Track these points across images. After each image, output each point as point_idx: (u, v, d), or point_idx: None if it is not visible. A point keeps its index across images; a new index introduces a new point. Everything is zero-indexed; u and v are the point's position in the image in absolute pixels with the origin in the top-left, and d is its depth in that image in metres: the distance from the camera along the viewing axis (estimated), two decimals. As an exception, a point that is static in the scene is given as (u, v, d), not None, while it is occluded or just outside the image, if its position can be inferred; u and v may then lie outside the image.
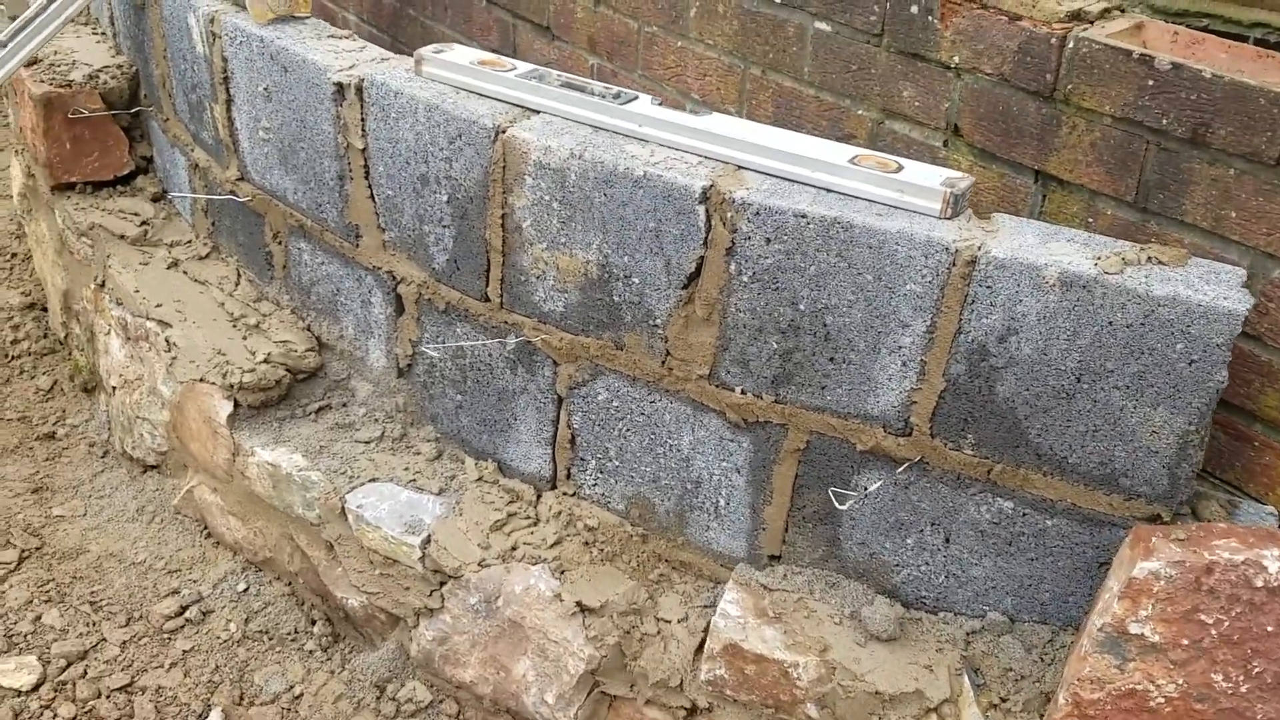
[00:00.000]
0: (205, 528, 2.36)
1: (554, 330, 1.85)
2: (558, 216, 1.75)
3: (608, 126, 1.75)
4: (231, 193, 2.34)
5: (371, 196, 2.01)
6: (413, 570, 1.95)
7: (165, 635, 2.11)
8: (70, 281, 2.81)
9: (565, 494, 1.99)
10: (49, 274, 2.97)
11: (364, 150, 1.96)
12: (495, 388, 1.99)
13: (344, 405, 2.25)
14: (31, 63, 2.66)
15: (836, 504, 1.67)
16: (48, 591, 2.17)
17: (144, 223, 2.59)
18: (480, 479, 2.04)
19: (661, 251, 1.67)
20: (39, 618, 2.11)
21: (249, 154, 2.25)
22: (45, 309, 3.17)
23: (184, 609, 2.16)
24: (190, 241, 2.58)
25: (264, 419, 2.19)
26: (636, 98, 1.78)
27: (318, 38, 2.06)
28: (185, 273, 2.48)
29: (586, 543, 1.93)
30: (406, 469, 2.07)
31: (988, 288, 1.48)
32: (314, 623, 2.16)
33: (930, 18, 1.81)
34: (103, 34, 2.94)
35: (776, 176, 1.63)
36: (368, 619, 2.07)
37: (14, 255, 3.59)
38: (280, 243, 2.29)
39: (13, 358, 2.97)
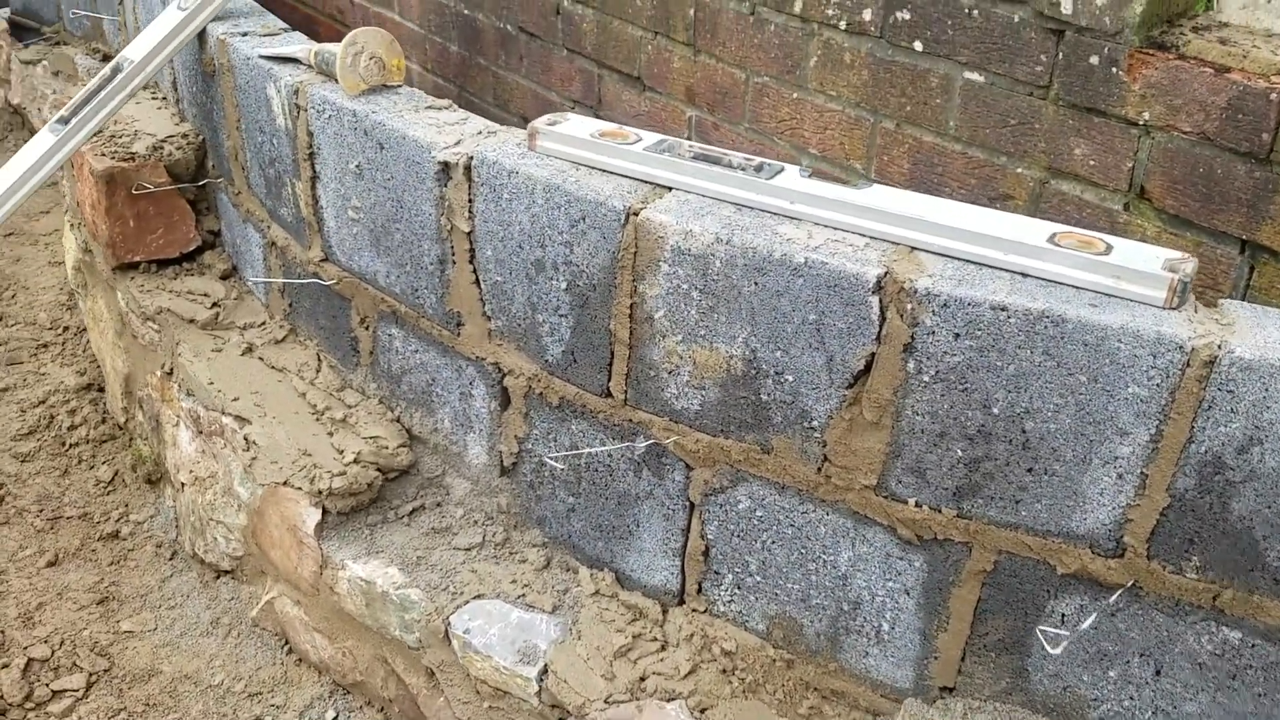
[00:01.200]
0: (286, 643, 2.15)
1: (688, 430, 1.64)
2: (697, 307, 1.54)
3: (753, 204, 1.54)
4: (315, 275, 2.16)
5: (477, 282, 1.81)
6: (527, 704, 1.73)
7: (250, 771, 1.90)
8: (132, 365, 2.64)
9: (695, 611, 1.77)
10: (108, 355, 2.80)
11: (470, 233, 1.77)
12: (615, 491, 1.78)
13: (439, 505, 2.05)
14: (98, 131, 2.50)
15: (1048, 647, 1.44)
16: (120, 721, 1.97)
17: (215, 304, 2.41)
18: (597, 592, 1.83)
19: (823, 347, 1.46)
20: (111, 753, 1.91)
21: (335, 234, 2.06)
22: (102, 389, 3.00)
23: (270, 740, 1.95)
24: (265, 324, 2.40)
25: (354, 525, 1.99)
26: (782, 169, 1.57)
27: (415, 109, 1.88)
28: (261, 359, 2.30)
29: (724, 670, 1.70)
30: (514, 581, 1.86)
31: (1229, 392, 1.26)
32: (412, 754, 1.94)
33: (1114, 69, 1.60)
34: (163, 99, 2.79)
35: (958, 259, 1.42)
36: (475, 753, 1.85)
37: (66, 329, 3.44)
38: (368, 328, 2.10)
39: (70, 445, 2.80)
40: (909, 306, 1.38)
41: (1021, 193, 1.79)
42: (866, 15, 2.00)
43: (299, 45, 2.14)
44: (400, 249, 1.92)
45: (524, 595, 1.83)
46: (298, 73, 2.04)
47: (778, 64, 2.28)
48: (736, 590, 1.71)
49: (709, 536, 1.70)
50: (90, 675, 2.06)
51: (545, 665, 1.71)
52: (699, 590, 1.75)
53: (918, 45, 1.94)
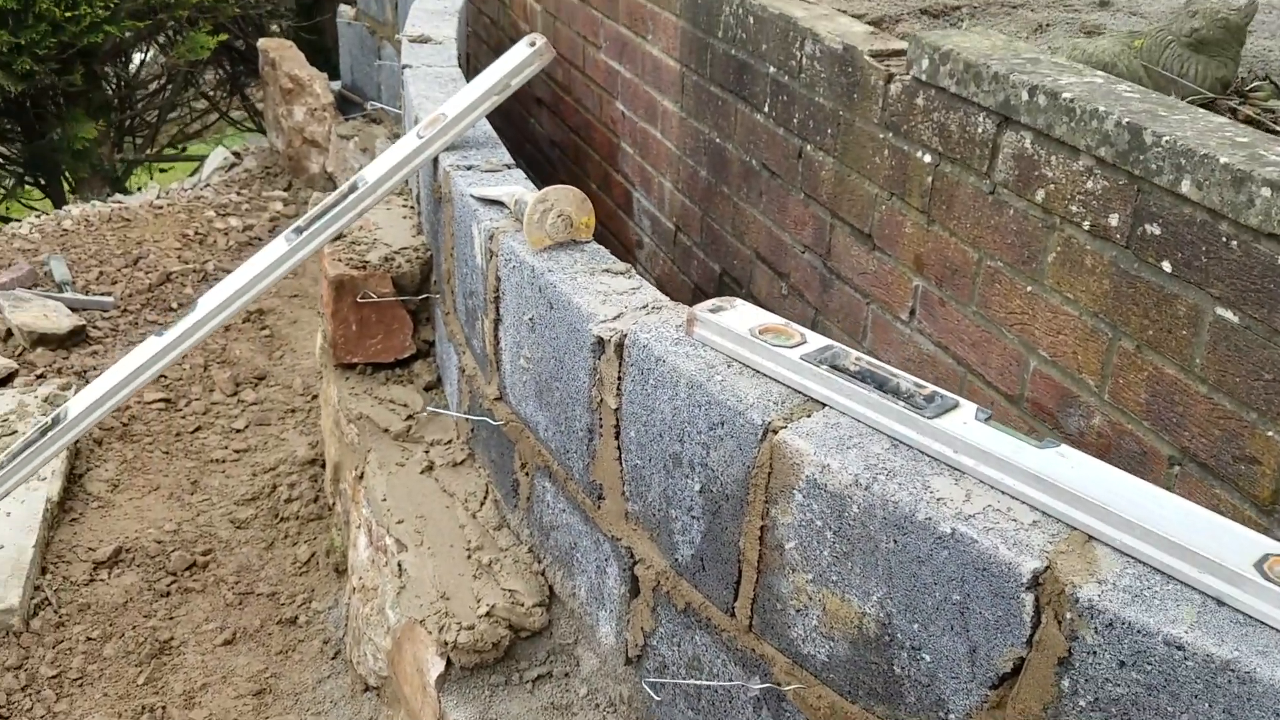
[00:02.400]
0: (406, 779, 2.12)
1: (812, 681, 1.43)
2: (830, 549, 1.35)
3: (912, 443, 1.33)
4: (488, 411, 2.15)
5: (619, 459, 1.71)
6: None
7: None
8: (340, 456, 2.76)
9: None
10: (327, 439, 2.96)
11: (617, 410, 1.68)
12: (733, 720, 1.60)
13: (565, 677, 1.94)
14: (337, 236, 2.67)
15: None
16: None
17: (409, 417, 2.47)
18: (703, 825, 1.64)
19: (966, 633, 1.22)
20: None
21: (509, 377, 2.04)
22: (324, 465, 3.18)
23: None
24: (450, 442, 2.42)
25: (476, 682, 1.93)
26: (956, 405, 1.35)
27: (590, 273, 1.83)
28: (437, 480, 2.31)
29: None
30: (619, 789, 1.71)
31: None
32: None
33: None
34: (410, 207, 2.93)
35: (1142, 562, 1.14)
36: None
37: (314, 397, 3.69)
38: (528, 475, 2.06)
39: (282, 519, 2.97)
40: (1068, 616, 1.12)
41: (1270, 459, 1.44)
42: (1112, 220, 1.73)
43: (511, 187, 2.15)
44: (558, 408, 1.86)
45: (623, 808, 1.68)
46: (498, 217, 2.05)
47: (1013, 251, 2.03)
48: None
49: (822, 803, 1.47)
50: (225, 773, 2.13)
51: None
52: None
53: (1166, 266, 1.64)
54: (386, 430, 2.45)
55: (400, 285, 2.61)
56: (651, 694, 1.63)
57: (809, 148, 2.70)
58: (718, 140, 3.21)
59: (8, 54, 5.52)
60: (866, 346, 2.52)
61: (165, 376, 3.77)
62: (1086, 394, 1.87)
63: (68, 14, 5.57)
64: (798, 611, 1.43)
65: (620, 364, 1.64)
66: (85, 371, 3.67)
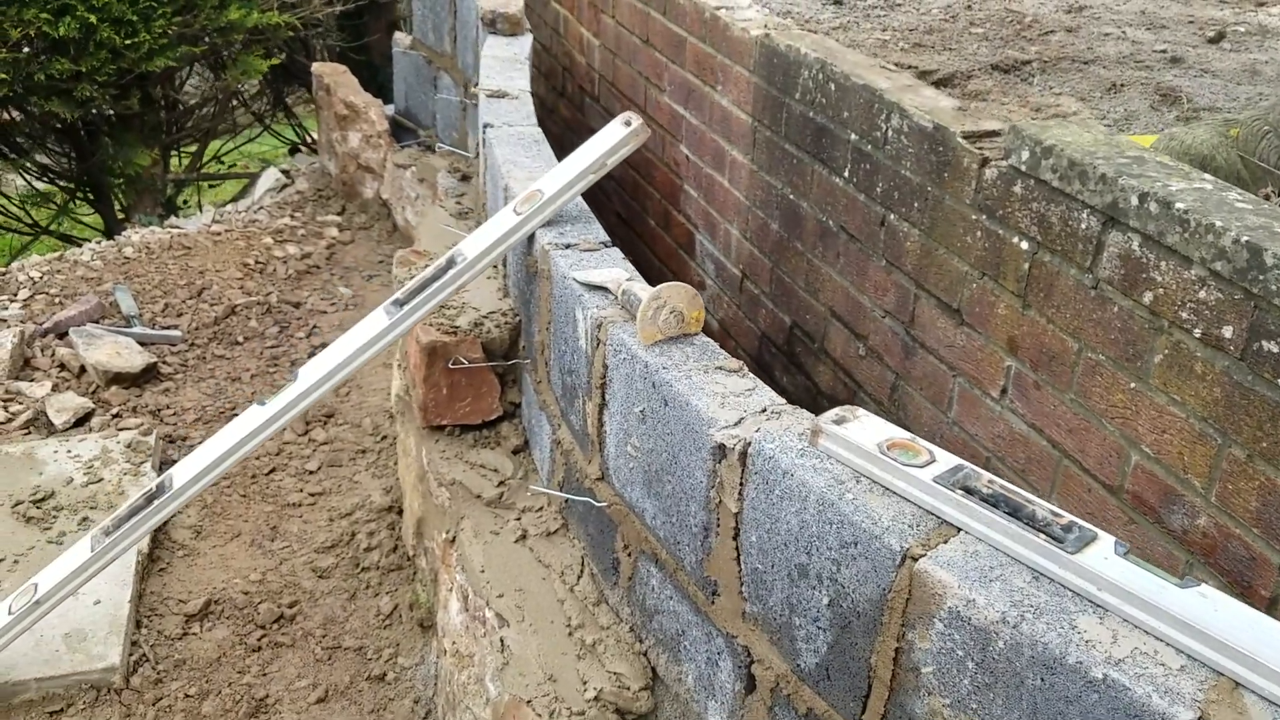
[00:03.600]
0: None
1: (943, 800, 1.47)
2: (971, 679, 1.38)
3: (1055, 577, 1.36)
4: (589, 490, 2.19)
5: (738, 560, 1.75)
6: None
7: None
8: (425, 512, 2.81)
9: None
10: (408, 492, 3.01)
11: (737, 514, 1.71)
12: (853, 824, 1.63)
13: (671, 759, 1.98)
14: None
15: None
16: None
17: (502, 483, 2.52)
18: None
19: (1113, 776, 1.25)
20: None
21: (613, 460, 2.08)
22: (400, 513, 3.23)
23: None
24: (541, 510, 2.47)
25: (584, 765, 1.97)
26: (1095, 538, 1.38)
27: (705, 370, 1.86)
28: (532, 550, 2.36)
29: None
30: None
31: None
32: None
33: None
34: (494, 268, 2.98)
35: (1300, 718, 1.17)
36: None
37: (385, 438, 3.75)
38: (630, 556, 2.10)
39: (363, 568, 3.02)
40: (1227, 773, 1.15)
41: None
42: (1226, 332, 1.75)
43: (612, 270, 2.19)
44: (669, 499, 1.90)
45: None
46: (604, 304, 2.09)
47: (1117, 347, 2.05)
48: None
49: None
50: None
51: None
52: None
53: (1286, 379, 1.67)
54: (479, 496, 2.49)
55: (489, 350, 2.66)
56: None
57: (893, 217, 2.72)
58: (791, 197, 3.24)
59: (67, 81, 5.60)
60: (952, 418, 2.55)
61: (237, 413, 3.84)
62: (1192, 494, 1.89)
63: (127, 41, 5.65)
64: (930, 732, 1.46)
65: (743, 471, 1.68)
66: (159, 410, 3.74)
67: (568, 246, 2.33)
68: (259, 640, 2.69)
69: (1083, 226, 2.06)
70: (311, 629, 2.76)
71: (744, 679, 1.79)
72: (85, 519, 2.87)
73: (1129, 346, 2.02)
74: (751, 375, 1.86)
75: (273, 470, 3.51)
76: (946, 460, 1.54)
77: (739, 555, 1.74)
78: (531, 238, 2.45)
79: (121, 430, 3.38)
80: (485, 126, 3.12)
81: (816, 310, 3.20)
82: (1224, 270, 1.75)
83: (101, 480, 3.04)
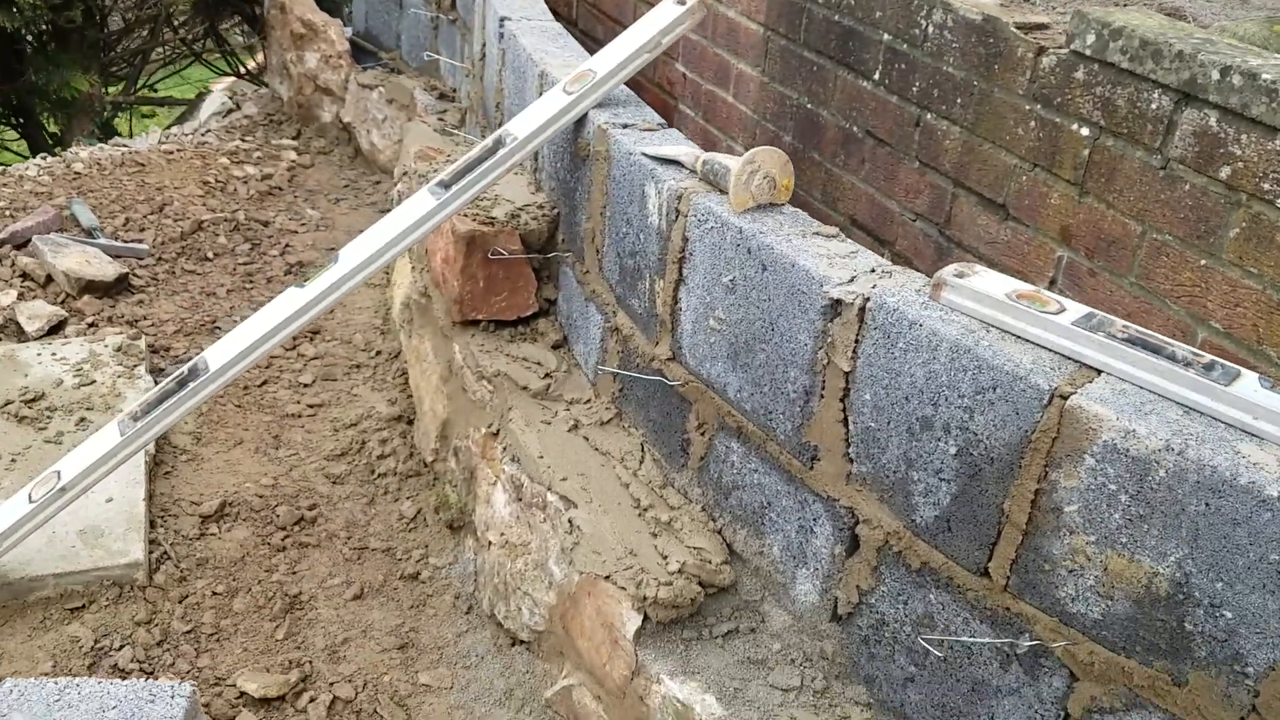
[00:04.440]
0: (576, 733, 2.13)
1: (1080, 638, 1.48)
2: (1124, 512, 1.39)
3: (1207, 410, 1.38)
4: (659, 372, 2.14)
5: (844, 422, 1.73)
6: None
7: None
8: (452, 413, 2.73)
9: (1042, 827, 1.59)
10: (427, 397, 2.92)
11: (849, 373, 1.69)
12: (969, 676, 1.64)
13: (752, 632, 1.97)
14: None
15: None
16: (415, 784, 2.00)
17: (548, 375, 2.45)
18: (928, 777, 1.69)
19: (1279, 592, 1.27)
20: (408, 817, 1.94)
21: (688, 337, 2.04)
22: (411, 423, 3.14)
23: (556, 840, 1.92)
24: (590, 401, 2.41)
25: (670, 637, 1.94)
26: (1240, 373, 1.40)
27: (802, 235, 1.83)
28: (586, 439, 2.31)
29: None
30: (837, 742, 1.75)
31: None
32: None
33: None
34: (520, 166, 2.88)
35: None
36: None
37: (379, 353, 3.63)
38: (704, 435, 2.06)
39: (379, 475, 2.92)
40: None
41: None
42: (1318, 195, 1.79)
43: (680, 146, 2.14)
44: (761, 369, 1.87)
45: (846, 761, 1.72)
46: (679, 176, 2.04)
47: (1186, 226, 2.08)
48: (1097, 818, 1.53)
49: (1077, 754, 1.53)
50: (390, 727, 2.11)
51: None
52: (1049, 805, 1.58)
53: (1379, 239, 1.71)
54: (525, 388, 2.43)
55: (526, 243, 2.57)
56: (932, 649, 1.65)
57: (930, 117, 2.71)
58: (809, 106, 3.21)
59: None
60: (991, 314, 2.56)
61: (220, 327, 3.68)
62: (1267, 365, 1.94)
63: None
64: (1070, 572, 1.47)
65: (860, 327, 1.65)
66: (136, 321, 3.55)
67: (625, 126, 2.27)
68: (283, 540, 2.58)
69: (1153, 107, 2.08)
70: (335, 531, 2.66)
71: (846, 541, 1.78)
72: (83, 419, 2.71)
73: (1200, 224, 2.05)
74: (854, 243, 1.83)
75: (265, 382, 3.37)
76: (1076, 308, 1.54)
77: (846, 416, 1.72)
78: (580, 122, 2.37)
79: (109, 335, 3.19)
80: (503, 20, 3.00)
81: (835, 221, 3.18)
82: (1316, 136, 1.78)
83: (94, 383, 2.87)
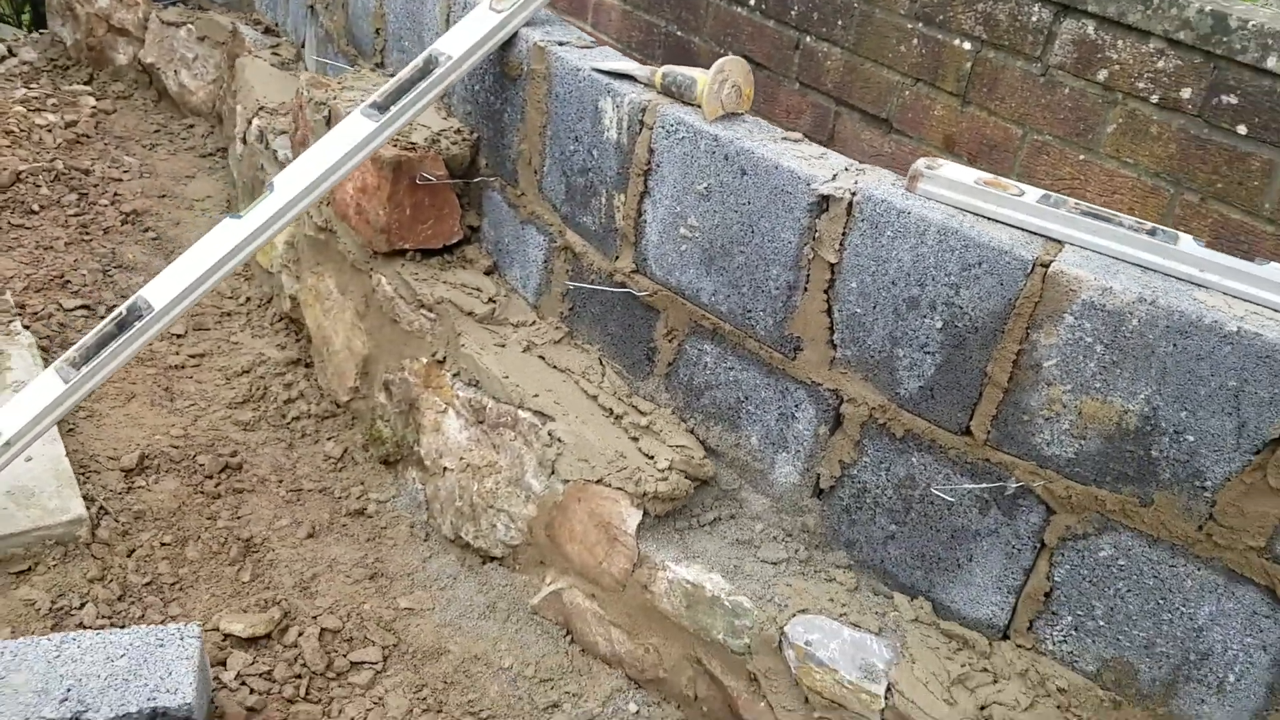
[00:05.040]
0: (568, 633, 2.22)
1: (1054, 476, 1.72)
2: (1098, 360, 1.62)
3: (1159, 268, 1.63)
4: (621, 284, 2.22)
5: (827, 312, 1.89)
6: (862, 718, 1.80)
7: (561, 760, 1.96)
8: (375, 348, 2.69)
9: (1022, 647, 1.85)
10: (337, 335, 2.85)
11: (834, 266, 1.85)
12: (948, 525, 1.86)
13: (733, 518, 2.12)
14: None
15: None
16: (425, 699, 2.03)
17: (490, 299, 2.47)
18: (916, 619, 1.91)
19: (1236, 413, 1.54)
20: (425, 730, 1.97)
21: (655, 248, 2.14)
22: (309, 365, 3.06)
23: (576, 730, 2.02)
24: (535, 323, 2.46)
25: (665, 529, 2.07)
26: (1178, 236, 1.66)
27: (773, 139, 1.96)
28: (542, 358, 2.36)
29: (1060, 706, 1.78)
30: (831, 600, 1.93)
31: None
32: (711, 756, 2.01)
33: None
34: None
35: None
36: (787, 761, 1.92)
37: (248, 299, 3.49)
38: (673, 341, 2.17)
39: (293, 419, 2.85)
40: (1341, 384, 1.47)
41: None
42: (1185, 94, 2.10)
43: (626, 62, 2.21)
44: (739, 271, 2.00)
45: (845, 614, 1.90)
46: (638, 91, 2.11)
47: (1066, 126, 2.36)
48: (1073, 632, 1.79)
49: (1055, 579, 1.78)
50: (384, 649, 2.12)
51: (889, 684, 1.78)
52: (1029, 628, 1.83)
53: (1241, 129, 2.04)
54: (470, 314, 2.44)
55: (449, 169, 2.56)
56: (946, 497, 1.84)
57: (809, 39, 2.90)
58: (679, 33, 3.33)
59: None
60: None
61: (70, 282, 3.40)
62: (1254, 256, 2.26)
63: None
64: (1046, 420, 1.70)
65: (848, 220, 1.81)
66: (-22, 281, 3.23)
67: (562, 44, 2.30)
68: (216, 488, 2.48)
69: (1034, 19, 2.34)
70: (264, 475, 2.59)
71: (829, 421, 1.96)
72: (-31, 381, 2.48)
73: (1080, 123, 2.34)
74: (819, 146, 1.98)
75: (136, 336, 3.17)
76: (1034, 191, 1.76)
77: (830, 307, 1.88)
78: (508, 42, 2.38)
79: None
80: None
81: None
82: (1186, 38, 2.08)
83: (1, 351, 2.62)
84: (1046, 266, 1.64)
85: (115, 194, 4.13)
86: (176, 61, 5.03)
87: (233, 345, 3.21)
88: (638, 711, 2.05)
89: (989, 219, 1.74)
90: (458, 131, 2.60)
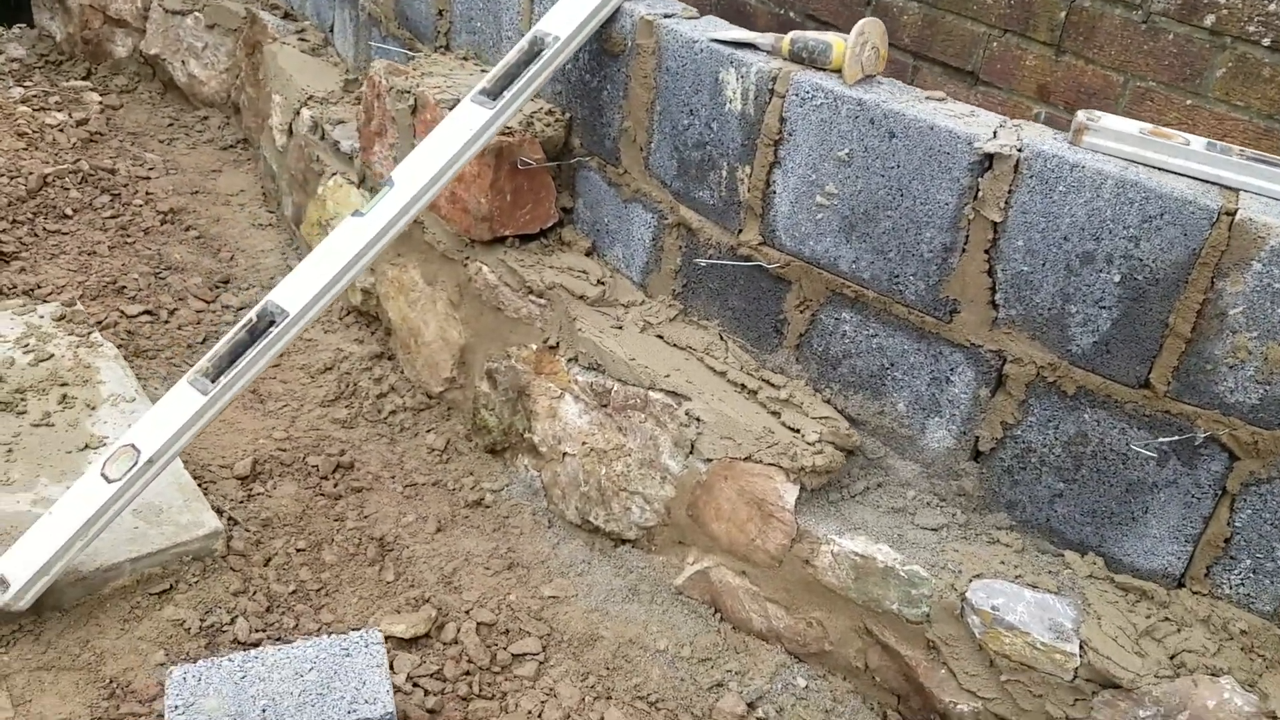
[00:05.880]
0: (717, 611, 2.20)
1: (1238, 424, 1.73)
2: (1289, 306, 1.62)
3: (1345, 210, 1.63)
4: (748, 258, 2.19)
5: (989, 272, 1.87)
6: (1056, 679, 1.81)
7: (743, 738, 1.96)
8: (473, 337, 2.65)
9: (1199, 594, 1.86)
10: (427, 327, 2.80)
11: (997, 225, 1.83)
12: (1123, 478, 1.86)
13: (880, 486, 2.12)
14: (454, 103, 2.49)
15: None
16: (593, 687, 2.01)
17: (599, 281, 2.43)
18: (1090, 575, 1.91)
19: None
20: (603, 717, 1.95)
21: (785, 219, 2.10)
22: (392, 358, 3.00)
23: (751, 706, 2.00)
24: (644, 303, 2.42)
25: (819, 502, 2.05)
26: (1356, 178, 1.66)
27: (918, 100, 1.93)
28: (661, 337, 2.33)
29: (1244, 649, 1.80)
30: (1003, 563, 1.93)
31: None
32: (887, 723, 2.02)
33: None
34: (483, 71, 2.77)
35: None
36: (970, 724, 1.93)
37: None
38: (805, 312, 2.15)
39: (390, 413, 2.79)
40: None
41: None
42: (1304, 32, 2.10)
43: (741, 31, 2.16)
44: (885, 236, 1.97)
45: (1020, 576, 1.90)
46: (763, 59, 2.07)
47: (1171, 71, 2.35)
48: (1251, 575, 1.81)
49: (1236, 524, 1.79)
50: (541, 639, 2.10)
51: (1081, 642, 1.79)
52: (1206, 574, 1.85)
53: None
54: (582, 297, 2.40)
55: (544, 150, 2.51)
56: (1142, 451, 1.83)
57: (886, -5, 2.86)
58: (741, -3, 3.28)
59: None
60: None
61: (125, 287, 3.31)
62: None
63: None
64: (1230, 368, 1.70)
65: (1014, 177, 1.79)
66: (31, 290, 3.13)
67: (668, 16, 2.25)
68: (334, 489, 2.43)
69: (1141, -32, 2.32)
70: (376, 472, 2.54)
71: (990, 382, 1.94)
72: (66, 396, 2.39)
73: (1185, 68, 2.33)
74: (966, 104, 1.95)
75: (205, 339, 3.10)
76: (1198, 140, 1.75)
77: (991, 267, 1.87)
78: (611, 18, 2.32)
79: (40, 307, 2.80)
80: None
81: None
82: (1313, -20, 2.07)
83: (53, 356, 2.53)
84: (1232, 215, 1.63)
85: (147, 193, 4.02)
86: (184, 51, 4.89)
87: (308, 343, 3.14)
88: (806, 685, 2.05)
89: (1159, 169, 1.72)
90: (549, 113, 2.54)
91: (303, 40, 4.13)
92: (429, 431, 2.74)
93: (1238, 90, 2.27)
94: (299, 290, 2.03)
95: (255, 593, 2.08)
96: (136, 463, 1.89)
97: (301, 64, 3.87)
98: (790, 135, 2.04)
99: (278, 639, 1.99)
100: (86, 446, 2.27)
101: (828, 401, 2.17)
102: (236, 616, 2.01)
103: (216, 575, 2.08)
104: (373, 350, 3.02)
